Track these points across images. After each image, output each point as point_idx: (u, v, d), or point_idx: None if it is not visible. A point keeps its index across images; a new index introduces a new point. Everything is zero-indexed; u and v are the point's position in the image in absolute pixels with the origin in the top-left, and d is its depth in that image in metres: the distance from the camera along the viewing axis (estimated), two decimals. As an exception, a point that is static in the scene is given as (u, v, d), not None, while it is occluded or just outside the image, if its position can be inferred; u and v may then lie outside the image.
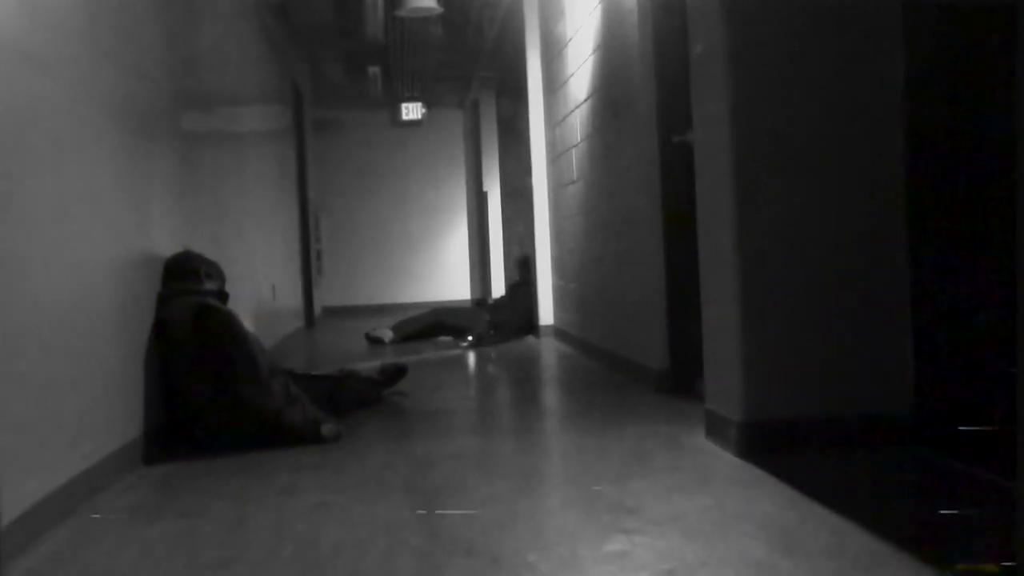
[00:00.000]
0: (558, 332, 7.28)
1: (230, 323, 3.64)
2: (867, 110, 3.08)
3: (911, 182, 3.05)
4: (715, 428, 3.29)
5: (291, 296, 8.61)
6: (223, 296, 3.90)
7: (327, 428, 3.68)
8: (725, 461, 3.04)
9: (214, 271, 3.92)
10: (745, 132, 3.07)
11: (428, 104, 12.22)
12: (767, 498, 2.58)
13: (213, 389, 3.57)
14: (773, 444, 3.05)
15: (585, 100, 5.84)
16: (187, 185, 4.39)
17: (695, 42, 3.31)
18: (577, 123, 6.12)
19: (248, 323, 5.82)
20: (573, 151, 6.31)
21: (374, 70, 9.63)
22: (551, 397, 4.85)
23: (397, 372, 4.86)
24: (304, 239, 9.87)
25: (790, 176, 3.07)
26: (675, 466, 3.01)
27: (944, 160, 2.90)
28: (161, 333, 3.60)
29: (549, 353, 6.66)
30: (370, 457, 3.37)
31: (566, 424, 3.94)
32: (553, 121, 7.06)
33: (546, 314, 7.57)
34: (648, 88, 4.53)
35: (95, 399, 2.98)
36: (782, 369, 3.08)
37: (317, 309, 10.92)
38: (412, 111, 12.06)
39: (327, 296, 12.14)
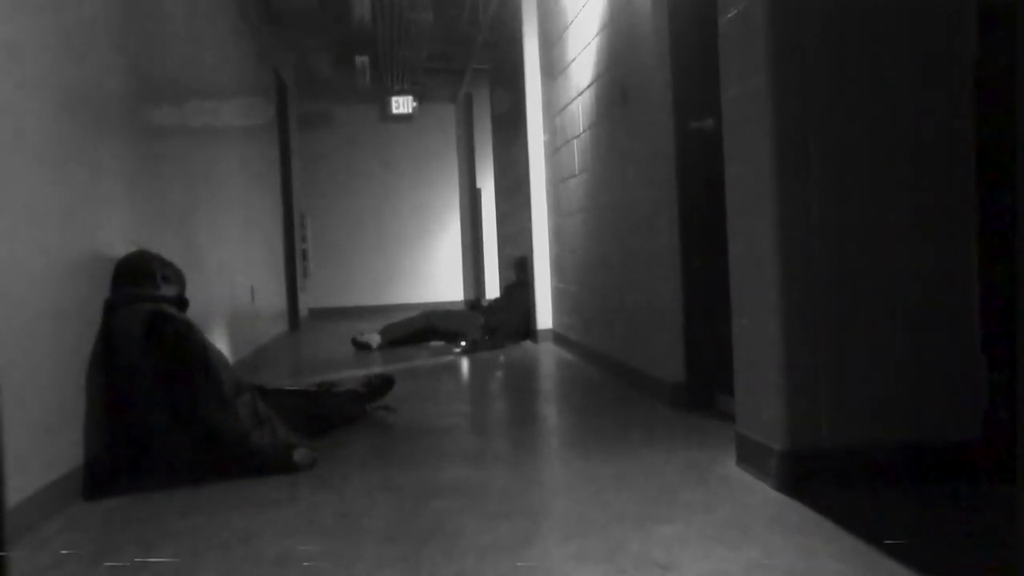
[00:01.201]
0: (557, 337, 6.82)
1: (188, 334, 3.17)
2: (935, 87, 2.62)
3: (983, 172, 2.59)
4: (749, 456, 2.83)
5: (274, 298, 8.13)
6: (182, 303, 3.43)
7: (300, 454, 3.22)
8: (765, 497, 2.58)
9: (172, 274, 3.44)
10: (789, 110, 2.60)
11: (419, 98, 11.75)
12: (825, 549, 2.12)
13: (167, 410, 3.11)
14: (821, 477, 2.59)
15: (588, 86, 5.38)
16: (148, 181, 3.93)
17: (727, 6, 2.84)
18: (579, 112, 5.66)
19: (223, 329, 5.35)
20: (575, 142, 5.84)
21: (362, 60, 9.14)
22: (554, 413, 4.38)
23: (383, 384, 4.38)
24: (288, 238, 9.39)
25: (843, 163, 2.61)
26: (707, 503, 2.54)
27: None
28: (108, 345, 3.13)
29: (549, 360, 6.20)
30: (348, 491, 2.90)
31: (573, 447, 3.48)
32: (552, 111, 6.59)
33: (544, 318, 7.11)
34: (662, 69, 4.07)
35: (24, 423, 2.51)
36: (832, 390, 2.61)
37: (303, 311, 10.44)
38: (402, 105, 11.57)
39: (313, 298, 11.65)
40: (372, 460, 3.35)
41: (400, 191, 12.61)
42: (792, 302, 2.60)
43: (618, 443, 3.40)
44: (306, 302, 11.02)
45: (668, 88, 4.05)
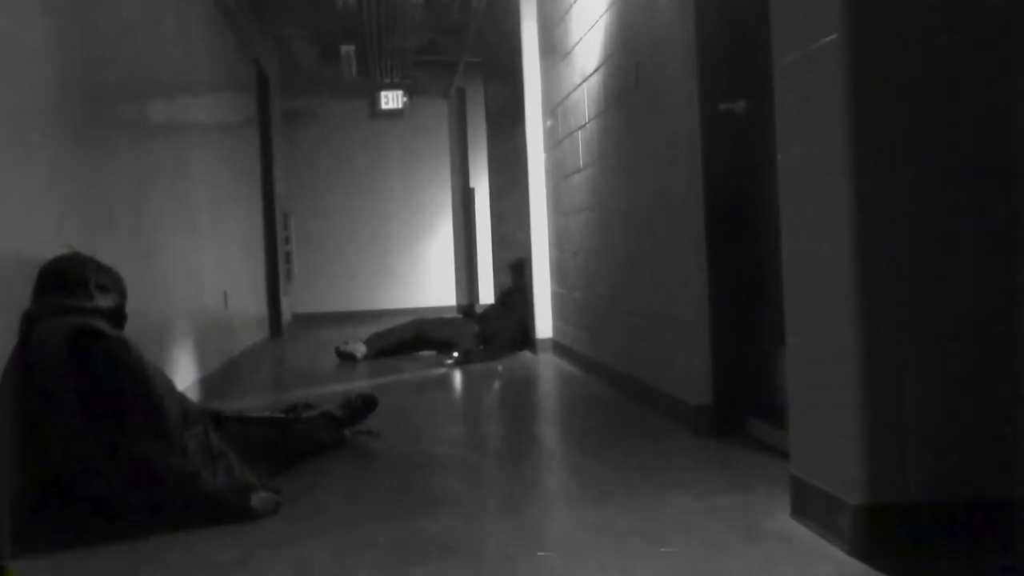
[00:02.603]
0: (559, 347, 6.27)
1: (122, 353, 2.61)
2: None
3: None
4: (810, 507, 2.29)
5: (252, 304, 7.57)
6: (119, 317, 2.86)
7: (259, 498, 2.67)
8: (839, 565, 2.03)
9: (109, 282, 2.88)
10: (872, 76, 2.06)
11: (409, 92, 11.18)
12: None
13: (97, 446, 2.56)
14: (915, 541, 2.04)
15: (595, 70, 4.83)
16: (92, 175, 3.39)
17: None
18: (584, 100, 5.12)
19: (188, 339, 4.80)
20: (579, 134, 5.30)
21: (347, 49, 8.56)
22: (560, 440, 3.85)
23: (364, 404, 3.82)
24: (270, 240, 8.82)
25: (938, 144, 2.07)
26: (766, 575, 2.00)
27: None
28: (25, 365, 2.58)
29: (550, 374, 5.65)
30: (314, 550, 2.35)
31: (585, 487, 2.93)
32: (553, 101, 6.04)
33: (544, 326, 6.55)
34: (686, 43, 3.53)
35: None
36: (926, 428, 2.07)
37: (286, 316, 9.88)
38: (392, 100, 11.00)
39: (298, 302, 11.08)
40: (347, 504, 2.80)
41: (390, 190, 12.04)
42: (875, 315, 2.06)
43: (640, 483, 2.85)
44: (290, 307, 10.46)
45: (692, 66, 3.51)
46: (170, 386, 2.79)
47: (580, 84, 5.18)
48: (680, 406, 3.68)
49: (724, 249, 3.48)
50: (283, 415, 3.41)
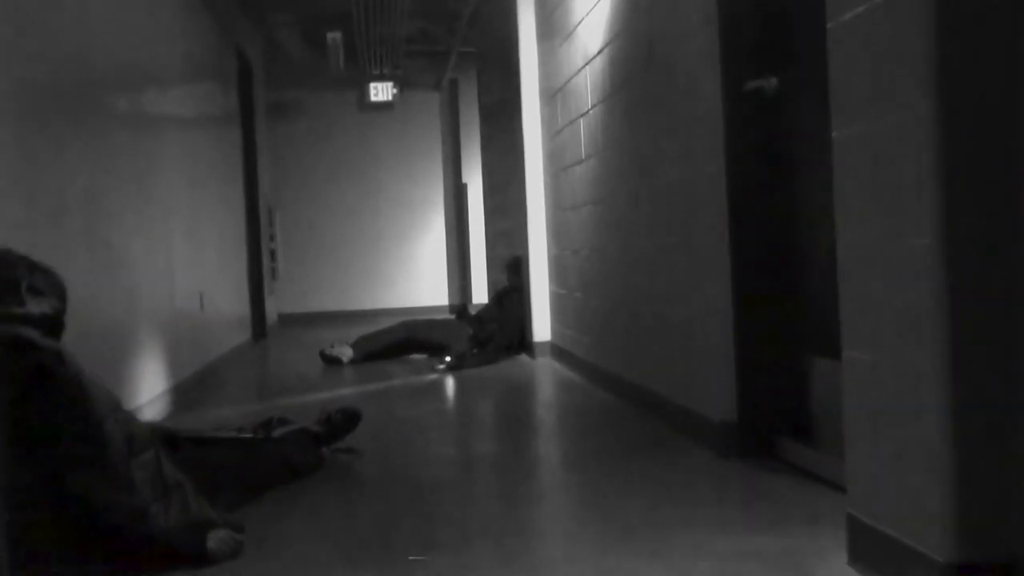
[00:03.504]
0: (558, 351, 5.88)
1: (56, 368, 2.21)
2: None
3: None
4: (874, 555, 1.90)
5: (232, 305, 7.16)
6: (56, 325, 2.46)
7: (218, 538, 2.28)
8: (923, 637, 1.65)
9: (45, 285, 2.46)
10: (964, 29, 1.67)
11: (400, 84, 10.78)
12: None
13: (29, 477, 2.16)
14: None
15: (600, 51, 4.44)
16: (32, 167, 2.99)
17: None
18: (587, 84, 4.72)
19: (157, 346, 4.40)
20: (581, 122, 4.90)
21: (334, 36, 8.16)
22: (567, 461, 3.45)
23: (346, 420, 3.43)
24: (253, 238, 8.41)
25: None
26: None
27: None
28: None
29: (549, 380, 5.26)
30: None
31: (602, 522, 2.53)
32: (552, 89, 5.65)
33: (542, 328, 6.16)
34: (706, 13, 3.13)
35: None
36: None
37: (271, 317, 9.47)
38: (382, 92, 10.60)
39: (283, 302, 10.66)
40: (321, 542, 2.40)
41: (380, 185, 11.65)
42: (966, 324, 1.67)
43: (665, 516, 2.46)
44: (275, 307, 10.05)
45: (714, 39, 3.12)
46: (115, 405, 2.38)
47: (582, 67, 4.79)
48: (700, 421, 3.29)
49: (751, 246, 3.09)
50: (251, 434, 3.01)
